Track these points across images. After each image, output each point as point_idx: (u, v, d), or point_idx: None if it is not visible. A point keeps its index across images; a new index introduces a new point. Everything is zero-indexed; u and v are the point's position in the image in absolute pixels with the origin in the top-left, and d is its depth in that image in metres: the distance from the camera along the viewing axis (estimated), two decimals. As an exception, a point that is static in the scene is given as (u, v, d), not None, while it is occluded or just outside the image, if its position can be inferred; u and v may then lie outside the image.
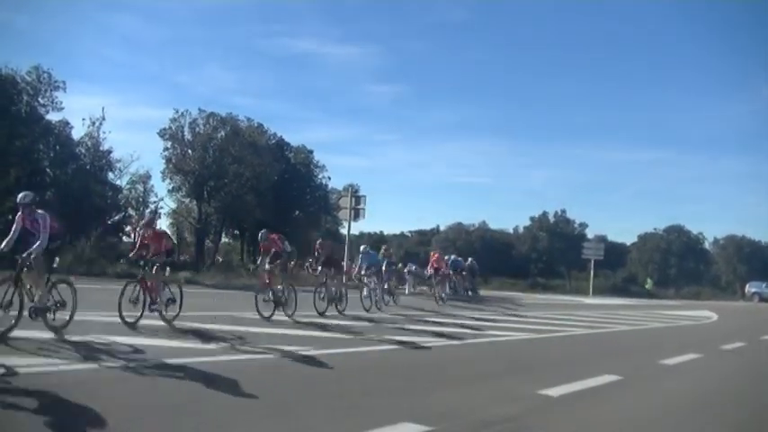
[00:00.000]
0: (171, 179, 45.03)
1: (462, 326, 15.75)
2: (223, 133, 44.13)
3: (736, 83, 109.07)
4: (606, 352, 13.33)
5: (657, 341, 16.41)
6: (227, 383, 7.09)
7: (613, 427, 6.72)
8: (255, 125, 47.17)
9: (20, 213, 9.34)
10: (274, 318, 13.91)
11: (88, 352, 8.51)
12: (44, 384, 6.40)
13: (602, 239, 59.63)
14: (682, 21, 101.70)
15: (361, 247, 20.97)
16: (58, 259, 9.95)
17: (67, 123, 37.97)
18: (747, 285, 56.20)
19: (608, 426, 6.72)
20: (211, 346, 9.79)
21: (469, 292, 31.14)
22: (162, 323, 11.66)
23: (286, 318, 14.19)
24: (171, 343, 9.70)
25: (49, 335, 9.30)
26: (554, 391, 7.87)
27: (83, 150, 38.85)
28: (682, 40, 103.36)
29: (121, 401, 6.16)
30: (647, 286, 57.03)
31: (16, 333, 8.86)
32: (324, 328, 13.40)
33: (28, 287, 9.16)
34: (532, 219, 73.47)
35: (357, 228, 50.61)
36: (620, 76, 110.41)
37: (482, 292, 34.20)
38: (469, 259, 33.95)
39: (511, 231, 77.38)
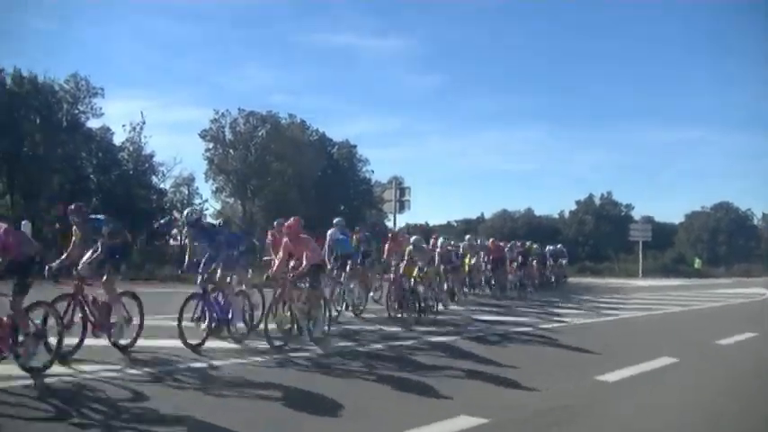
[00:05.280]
0: (214, 180, 45.53)
1: (517, 314, 15.69)
2: (264, 131, 44.51)
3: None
4: (661, 334, 13.11)
5: (712, 321, 16.12)
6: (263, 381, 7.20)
7: (673, 410, 6.64)
8: (297, 122, 47.41)
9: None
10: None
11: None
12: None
13: (649, 220, 58.39)
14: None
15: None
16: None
17: (108, 129, 38.52)
18: (799, 260, 54.67)
19: (667, 409, 6.64)
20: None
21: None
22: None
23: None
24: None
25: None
26: (611, 377, 7.84)
27: (125, 155, 39.42)
28: (720, 18, 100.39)
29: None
30: (695, 266, 55.83)
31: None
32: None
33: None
34: (578, 203, 72.20)
35: (402, 219, 50.43)
36: (659, 57, 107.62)
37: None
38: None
39: (557, 216, 76.32)
